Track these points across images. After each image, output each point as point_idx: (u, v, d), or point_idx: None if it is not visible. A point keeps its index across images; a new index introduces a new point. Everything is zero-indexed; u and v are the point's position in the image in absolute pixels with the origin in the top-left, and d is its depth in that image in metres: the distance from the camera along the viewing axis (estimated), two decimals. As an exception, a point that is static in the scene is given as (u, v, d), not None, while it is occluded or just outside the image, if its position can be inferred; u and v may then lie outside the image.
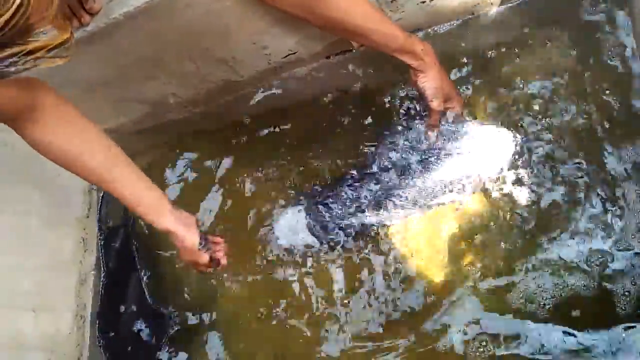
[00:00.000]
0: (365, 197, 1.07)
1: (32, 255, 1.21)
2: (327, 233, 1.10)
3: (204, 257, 0.94)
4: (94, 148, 0.86)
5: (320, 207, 1.11)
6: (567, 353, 0.89)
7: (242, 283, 1.19)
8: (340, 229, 1.10)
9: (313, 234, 1.11)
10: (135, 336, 1.25)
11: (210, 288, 1.22)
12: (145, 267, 1.30)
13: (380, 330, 1.04)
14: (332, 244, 1.12)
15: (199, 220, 0.97)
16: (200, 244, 0.92)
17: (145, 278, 1.29)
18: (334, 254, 1.12)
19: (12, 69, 0.55)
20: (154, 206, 0.89)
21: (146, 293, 1.27)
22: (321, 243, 1.12)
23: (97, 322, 1.30)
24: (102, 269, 1.33)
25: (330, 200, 1.11)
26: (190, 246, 0.92)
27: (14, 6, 0.49)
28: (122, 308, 1.28)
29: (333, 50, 1.19)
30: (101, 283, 1.32)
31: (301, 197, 1.17)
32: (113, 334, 1.28)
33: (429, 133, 1.02)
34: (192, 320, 1.22)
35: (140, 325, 1.24)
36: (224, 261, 0.99)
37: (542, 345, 0.91)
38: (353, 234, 1.10)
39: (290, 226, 1.13)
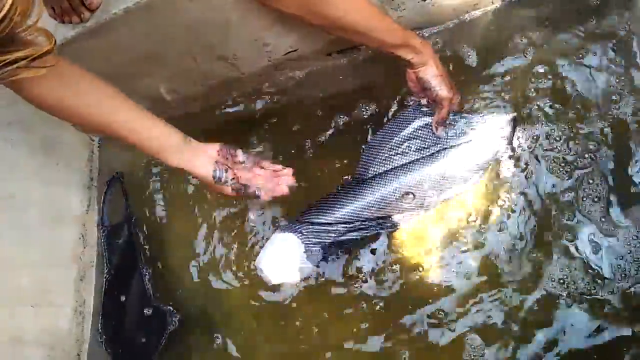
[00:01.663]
0: (363, 207, 0.99)
1: (32, 251, 1.21)
2: (324, 253, 1.01)
3: (226, 190, 0.90)
4: (94, 97, 0.85)
5: (312, 226, 0.99)
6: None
7: (241, 282, 1.19)
8: (337, 245, 1.02)
9: (308, 259, 1.00)
10: (137, 333, 1.25)
11: (212, 284, 1.22)
12: (147, 263, 1.30)
13: (386, 338, 1.03)
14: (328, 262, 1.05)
15: (222, 149, 0.91)
16: (214, 176, 0.88)
17: (147, 275, 1.28)
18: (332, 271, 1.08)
19: None
20: (161, 146, 0.87)
21: (148, 290, 1.26)
22: (317, 265, 1.03)
23: (100, 319, 1.30)
24: (105, 265, 1.32)
25: (323, 216, 0.99)
26: (205, 180, 0.89)
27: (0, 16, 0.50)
28: (124, 305, 1.28)
29: (334, 47, 1.18)
30: (104, 280, 1.32)
31: (290, 221, 1.06)
32: (114, 330, 1.28)
33: (438, 127, 1.00)
34: (193, 316, 1.21)
35: (141, 322, 1.24)
36: (264, 196, 0.93)
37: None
38: (351, 248, 1.05)
39: (280, 256, 0.99)
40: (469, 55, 1.09)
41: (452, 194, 1.01)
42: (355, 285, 1.06)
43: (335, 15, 0.86)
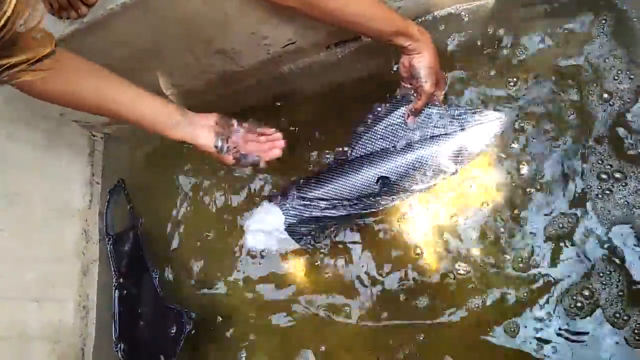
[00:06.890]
0: (348, 187, 1.01)
1: (35, 246, 1.22)
2: (304, 227, 1.04)
3: (227, 159, 0.95)
4: (92, 81, 0.88)
5: (298, 201, 1.03)
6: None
7: (247, 280, 1.18)
8: (315, 220, 1.04)
9: (289, 233, 1.04)
10: (155, 339, 1.23)
11: (218, 283, 1.22)
12: (156, 267, 1.29)
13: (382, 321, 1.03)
14: (313, 239, 1.08)
15: (220, 119, 0.95)
16: (216, 146, 0.93)
17: (157, 278, 1.27)
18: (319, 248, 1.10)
19: None
20: (161, 122, 0.91)
21: (160, 294, 1.25)
22: (299, 240, 1.06)
23: (115, 328, 1.28)
24: (114, 274, 1.32)
25: (308, 192, 1.03)
26: (208, 150, 0.94)
27: (2, 20, 0.50)
28: (139, 312, 1.27)
29: (333, 39, 1.17)
30: (113, 288, 1.32)
31: (277, 193, 1.10)
32: (132, 339, 1.27)
33: (411, 117, 1.00)
34: (202, 316, 1.20)
35: (158, 327, 1.23)
36: (262, 163, 0.97)
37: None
38: (336, 226, 1.07)
39: (263, 224, 1.06)
40: (466, 43, 1.08)
41: (430, 183, 1.02)
42: (360, 278, 1.07)
43: (334, 7, 0.86)
